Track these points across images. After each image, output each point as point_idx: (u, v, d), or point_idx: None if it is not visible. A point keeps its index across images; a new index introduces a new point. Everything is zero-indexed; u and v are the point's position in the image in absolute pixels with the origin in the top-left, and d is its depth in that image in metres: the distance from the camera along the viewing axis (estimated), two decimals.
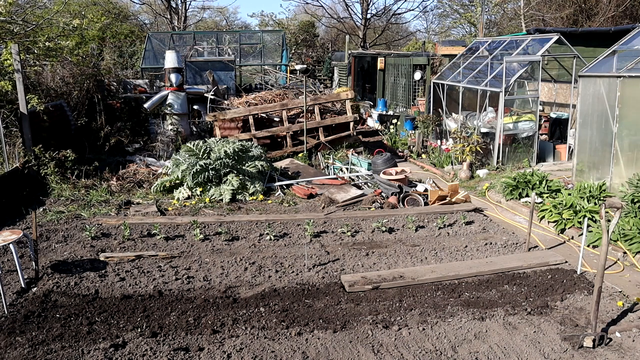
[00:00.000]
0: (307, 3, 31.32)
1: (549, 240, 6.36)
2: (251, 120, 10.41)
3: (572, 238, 6.36)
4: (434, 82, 11.89)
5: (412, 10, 63.07)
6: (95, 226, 6.45)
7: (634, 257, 5.62)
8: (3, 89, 8.23)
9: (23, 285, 4.84)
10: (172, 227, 6.61)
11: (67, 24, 9.98)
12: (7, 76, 8.62)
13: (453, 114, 11.06)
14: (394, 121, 14.01)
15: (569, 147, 9.89)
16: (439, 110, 11.51)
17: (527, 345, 3.99)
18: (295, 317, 4.37)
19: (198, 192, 7.89)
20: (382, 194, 8.02)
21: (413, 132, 12.50)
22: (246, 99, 11.86)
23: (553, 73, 11.58)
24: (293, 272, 5.31)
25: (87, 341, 3.96)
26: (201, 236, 6.21)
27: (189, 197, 7.88)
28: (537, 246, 6.11)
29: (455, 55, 12.82)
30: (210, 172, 7.95)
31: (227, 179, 7.99)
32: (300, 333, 4.11)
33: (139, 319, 4.31)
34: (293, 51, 27.60)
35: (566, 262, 5.55)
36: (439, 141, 11.33)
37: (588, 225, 6.04)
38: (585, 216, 6.22)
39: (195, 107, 12.23)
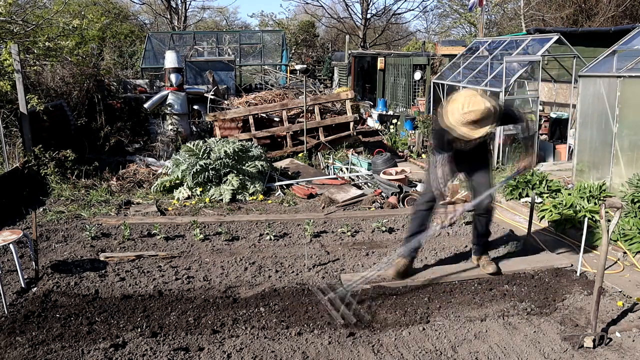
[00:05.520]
0: (307, 3, 31.36)
1: (549, 240, 6.36)
2: (251, 120, 10.41)
3: (572, 238, 6.36)
4: (434, 82, 11.89)
5: (412, 10, 63.10)
6: (95, 226, 6.45)
7: (634, 257, 5.62)
8: (3, 89, 8.23)
9: (23, 285, 4.84)
10: (172, 227, 6.61)
11: (67, 24, 9.98)
12: (7, 76, 8.62)
13: None
14: (394, 121, 14.00)
15: (569, 147, 9.89)
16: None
17: (527, 345, 3.99)
18: (295, 317, 4.37)
19: (198, 192, 7.89)
20: (382, 194, 8.01)
21: (413, 132, 12.49)
22: (246, 99, 11.86)
23: (553, 73, 11.58)
24: (293, 272, 5.31)
25: (87, 341, 3.96)
26: (201, 236, 6.21)
27: (189, 197, 7.88)
28: None
29: (455, 55, 12.82)
30: (210, 172, 7.95)
31: (227, 179, 7.99)
32: (300, 333, 4.11)
33: (139, 319, 4.31)
34: (293, 51, 27.61)
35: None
36: None
37: (588, 226, 6.03)
38: (585, 216, 6.22)
39: (195, 107, 12.23)
